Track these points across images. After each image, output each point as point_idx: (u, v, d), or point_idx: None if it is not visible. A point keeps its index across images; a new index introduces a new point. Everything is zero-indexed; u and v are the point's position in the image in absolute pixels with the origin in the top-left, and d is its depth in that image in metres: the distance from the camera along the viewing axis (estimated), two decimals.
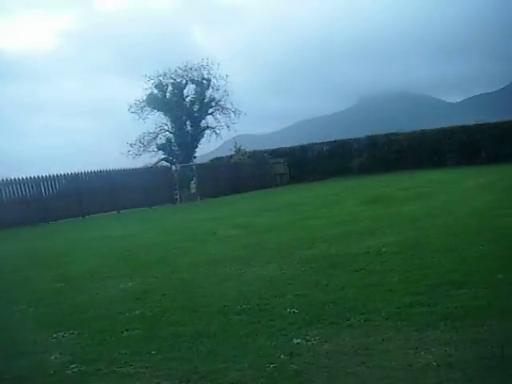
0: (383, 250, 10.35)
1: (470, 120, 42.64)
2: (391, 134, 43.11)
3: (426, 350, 5.35)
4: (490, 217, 13.41)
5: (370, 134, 44.52)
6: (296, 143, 48.27)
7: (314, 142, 47.24)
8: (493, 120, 40.88)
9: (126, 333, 6.89)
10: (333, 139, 46.23)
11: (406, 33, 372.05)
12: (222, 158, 49.10)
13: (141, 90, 51.73)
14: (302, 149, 46.11)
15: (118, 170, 35.09)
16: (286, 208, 22.83)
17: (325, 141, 46.61)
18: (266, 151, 47.28)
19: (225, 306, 7.59)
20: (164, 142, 51.88)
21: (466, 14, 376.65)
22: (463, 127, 40.47)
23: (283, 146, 48.03)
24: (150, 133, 51.54)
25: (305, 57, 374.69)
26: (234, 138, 49.54)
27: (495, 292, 6.99)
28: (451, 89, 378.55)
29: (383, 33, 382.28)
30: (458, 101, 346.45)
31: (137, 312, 7.80)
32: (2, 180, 28.95)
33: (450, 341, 5.51)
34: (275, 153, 46.31)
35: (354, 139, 44.69)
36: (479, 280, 7.59)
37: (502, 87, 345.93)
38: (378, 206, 18.94)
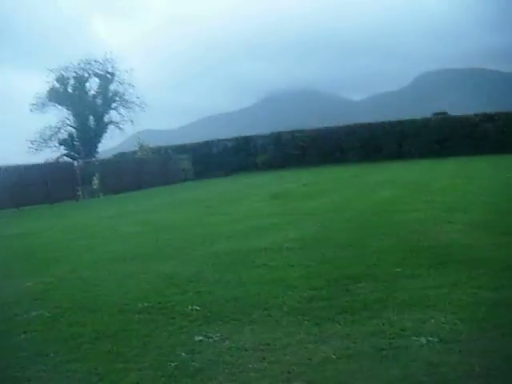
0: (285, 245, 10.43)
1: (373, 118, 43.77)
2: (296, 130, 43.69)
3: (325, 343, 5.41)
4: (389, 212, 13.80)
5: (275, 130, 44.94)
6: (202, 139, 48.17)
7: (219, 138, 47.23)
8: (394, 118, 42.11)
9: (23, 335, 6.62)
10: (238, 135, 46.40)
11: (313, 32, 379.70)
12: (125, 153, 48.32)
13: (42, 83, 50.28)
14: (207, 145, 46.05)
15: (17, 166, 33.84)
16: (190, 204, 22.74)
17: (230, 137, 46.69)
18: (170, 147, 46.94)
19: (125, 305, 7.43)
20: (66, 137, 50.64)
21: (369, 15, 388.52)
22: (365, 125, 41.52)
23: (188, 142, 47.78)
24: (52, 127, 50.17)
25: (211, 52, 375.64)
26: (138, 133, 48.92)
27: (393, 285, 7.17)
28: (355, 87, 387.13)
29: (290, 31, 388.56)
30: (362, 99, 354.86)
31: (35, 313, 7.50)
32: None
33: (348, 334, 5.60)
34: (180, 149, 46.06)
35: (259, 136, 45.03)
36: (377, 274, 7.77)
37: (403, 86, 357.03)
38: (281, 202, 19.14)
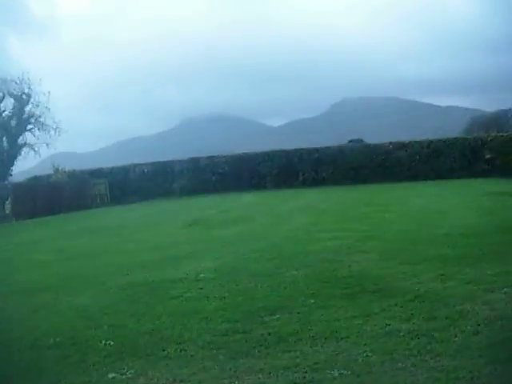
0: (201, 275, 10.39)
1: (291, 143, 44.28)
2: (214, 156, 43.70)
3: (240, 378, 5.41)
4: (305, 240, 13.96)
5: (192, 155, 44.85)
6: (119, 162, 47.49)
7: (137, 162, 46.69)
8: (311, 144, 42.66)
9: None
10: (155, 160, 45.98)
11: (232, 57, 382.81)
12: (40, 176, 47.05)
13: None
14: (124, 169, 45.38)
15: None
16: (105, 231, 22.32)
17: (147, 161, 46.24)
18: (86, 171, 46.06)
19: (36, 340, 7.20)
20: None
21: (288, 42, 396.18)
22: (282, 151, 41.97)
23: (105, 166, 47.03)
24: None
25: (129, 75, 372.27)
26: (53, 155, 47.86)
27: (307, 317, 7.25)
28: (274, 113, 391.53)
29: (209, 56, 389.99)
30: (281, 125, 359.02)
31: None
32: None
33: (263, 368, 5.61)
34: (96, 173, 45.23)
35: (177, 161, 44.77)
36: (292, 305, 7.83)
37: (321, 113, 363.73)
38: (197, 229, 19.06)
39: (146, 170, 44.32)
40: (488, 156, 37.23)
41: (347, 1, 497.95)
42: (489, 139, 38.99)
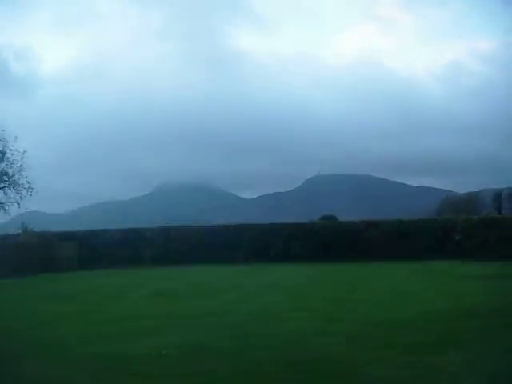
0: (163, 352, 10.16)
1: (264, 217, 44.42)
2: (185, 226, 43.60)
3: None
4: (272, 319, 13.84)
5: (165, 223, 44.70)
6: (91, 226, 47.12)
7: (108, 227, 46.38)
8: (284, 219, 42.83)
9: None
10: (128, 226, 45.70)
11: (208, 128, 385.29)
12: (8, 235, 46.28)
13: None
14: (95, 234, 44.95)
15: None
16: (70, 297, 21.86)
17: (119, 227, 45.95)
18: (56, 233, 45.49)
19: None
20: None
21: (262, 118, 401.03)
22: (254, 225, 42.06)
23: (75, 229, 46.63)
24: None
25: (105, 138, 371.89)
26: (23, 214, 47.20)
27: None
28: (247, 185, 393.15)
29: (184, 126, 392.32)
30: (253, 197, 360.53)
31: None
32: None
33: None
34: (66, 235, 44.66)
35: (148, 228, 44.55)
36: None
37: (294, 187, 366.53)
38: (163, 301, 18.78)
39: (116, 236, 43.92)
40: (458, 238, 37.60)
41: (321, 79, 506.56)
42: (459, 221, 39.50)
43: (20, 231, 44.21)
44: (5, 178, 49.06)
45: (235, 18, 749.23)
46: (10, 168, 49.37)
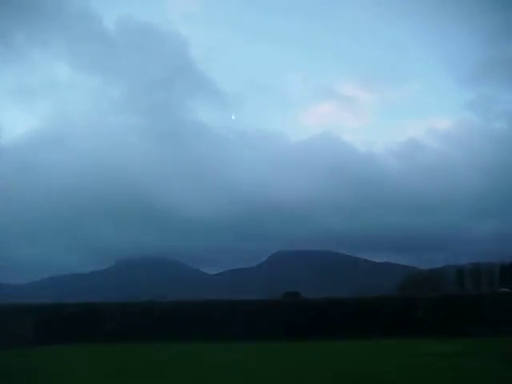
0: None
1: (226, 293, 44.12)
2: (146, 302, 42.89)
3: None
4: None
5: (126, 298, 43.98)
6: (51, 298, 46.10)
7: (67, 301, 45.44)
8: (247, 295, 42.50)
9: None
10: (86, 300, 44.78)
11: (163, 203, 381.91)
12: None
13: None
14: (52, 307, 43.75)
15: None
16: (16, 378, 20.83)
17: (77, 302, 44.99)
18: (10, 305, 44.25)
19: None
20: None
21: (223, 194, 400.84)
22: (215, 302, 41.53)
23: (31, 302, 45.44)
24: None
25: (66, 209, 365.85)
26: None
27: None
28: (211, 261, 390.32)
29: (142, 198, 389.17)
30: (217, 273, 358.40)
31: None
32: None
33: None
34: (21, 308, 43.47)
35: (108, 303, 43.69)
36: None
37: (258, 263, 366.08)
38: (122, 381, 18.20)
39: (74, 310, 42.84)
40: (420, 315, 37.57)
41: (280, 156, 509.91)
42: (421, 298, 39.62)
43: None
44: None
45: (195, 92, 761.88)
46: None
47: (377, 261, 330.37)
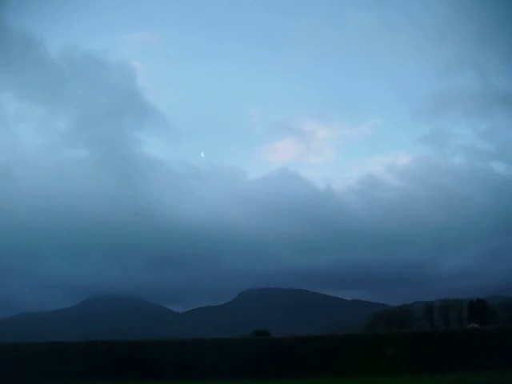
0: None
1: (194, 331, 43.73)
2: (112, 341, 42.07)
3: None
4: None
5: (93, 336, 43.18)
6: (16, 337, 45.09)
7: (33, 340, 44.40)
8: (215, 332, 42.13)
9: None
10: (53, 339, 43.89)
11: (123, 238, 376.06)
12: None
13: None
14: (13, 348, 42.43)
15: None
16: None
17: (44, 340, 44.06)
18: None
19: None
20: None
21: (191, 231, 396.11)
22: (181, 341, 41.12)
23: None
24: None
25: (23, 244, 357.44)
26: None
27: None
28: (177, 299, 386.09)
29: (101, 233, 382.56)
30: (184, 311, 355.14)
31: None
32: None
33: None
34: None
35: (72, 343, 42.73)
36: None
37: (226, 301, 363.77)
38: None
39: (37, 350, 41.79)
40: (389, 353, 37.47)
41: (237, 192, 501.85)
42: (390, 336, 39.56)
43: None
44: None
45: (144, 124, 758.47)
46: None
47: (346, 298, 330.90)
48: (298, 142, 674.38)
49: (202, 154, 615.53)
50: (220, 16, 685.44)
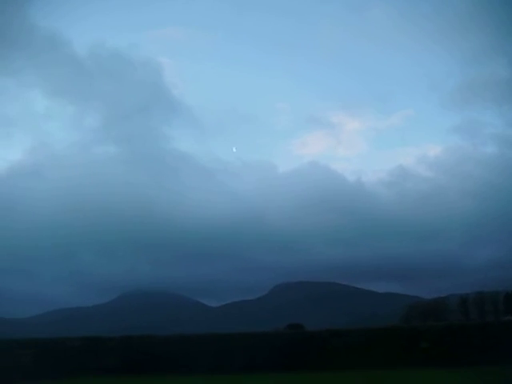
0: None
1: (229, 325, 43.78)
2: (147, 336, 42.39)
3: None
4: None
5: (128, 331, 43.59)
6: (52, 332, 45.75)
7: (69, 335, 44.98)
8: (251, 326, 42.22)
9: None
10: (88, 334, 44.34)
11: (168, 233, 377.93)
12: None
13: None
14: (53, 341, 43.26)
15: None
16: None
17: (80, 335, 44.52)
18: (11, 340, 43.83)
19: None
20: None
21: (225, 224, 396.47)
22: (217, 335, 41.17)
23: (33, 336, 44.98)
24: None
25: (59, 241, 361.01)
26: None
27: None
28: (213, 294, 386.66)
29: (148, 232, 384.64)
30: (219, 305, 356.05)
31: None
32: None
33: None
34: (22, 343, 42.97)
35: (109, 338, 43.17)
36: None
37: (261, 295, 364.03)
38: None
39: (76, 345, 42.45)
40: (424, 345, 37.21)
41: (270, 186, 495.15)
42: (425, 328, 39.28)
43: None
44: None
45: (173, 120, 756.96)
46: None
47: (380, 291, 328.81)
48: (327, 135, 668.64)
49: (234, 149, 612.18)
50: (247, 18, 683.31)
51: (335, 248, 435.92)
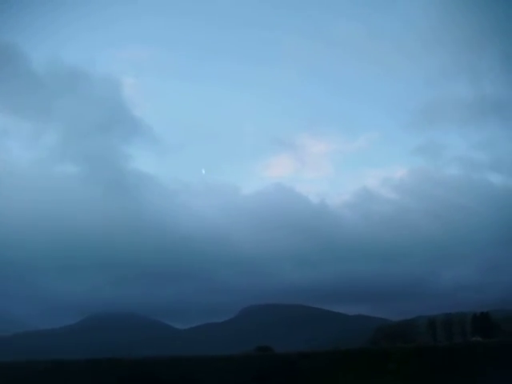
0: None
1: (198, 348, 43.48)
2: (114, 359, 41.91)
3: None
4: None
5: (94, 354, 42.96)
6: (14, 355, 44.68)
7: (33, 358, 44.09)
8: (218, 350, 41.97)
9: None
10: (53, 357, 43.58)
11: (122, 256, 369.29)
12: None
13: None
14: (16, 365, 42.05)
15: None
16: None
17: (44, 358, 43.82)
18: None
19: None
20: None
21: (192, 247, 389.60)
22: (182, 358, 41.05)
23: None
24: None
25: (20, 262, 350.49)
26: None
27: None
28: (179, 316, 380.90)
29: (96, 250, 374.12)
30: (186, 328, 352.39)
31: None
32: None
33: None
34: None
35: (75, 360, 42.54)
36: None
37: (229, 318, 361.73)
38: None
39: (39, 368, 41.49)
40: (392, 367, 37.29)
41: (232, 208, 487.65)
42: (393, 350, 39.41)
43: None
44: None
45: (135, 139, 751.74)
46: None
47: (347, 313, 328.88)
48: (292, 158, 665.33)
49: (203, 171, 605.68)
50: (211, 33, 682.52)
51: (302, 270, 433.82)
